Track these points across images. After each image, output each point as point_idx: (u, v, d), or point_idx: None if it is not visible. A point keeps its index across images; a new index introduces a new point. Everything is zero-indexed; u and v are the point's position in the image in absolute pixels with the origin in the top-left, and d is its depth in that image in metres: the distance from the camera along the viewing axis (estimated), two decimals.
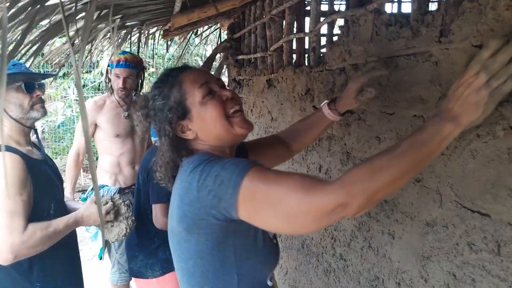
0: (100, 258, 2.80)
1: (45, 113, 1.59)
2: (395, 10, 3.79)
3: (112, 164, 2.65)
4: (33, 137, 1.69)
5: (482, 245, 1.00)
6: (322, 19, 2.00)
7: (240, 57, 3.35)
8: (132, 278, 2.29)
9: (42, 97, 1.58)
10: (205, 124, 1.03)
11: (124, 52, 2.59)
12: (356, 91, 1.29)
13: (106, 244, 2.77)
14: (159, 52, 7.43)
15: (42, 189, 1.52)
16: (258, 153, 1.34)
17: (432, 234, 1.19)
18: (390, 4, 3.83)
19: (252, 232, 0.99)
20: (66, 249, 1.64)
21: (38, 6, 1.38)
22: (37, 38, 1.86)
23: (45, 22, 1.99)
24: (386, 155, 0.82)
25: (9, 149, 1.46)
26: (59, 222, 1.55)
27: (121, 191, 2.62)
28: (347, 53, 1.66)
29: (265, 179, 0.87)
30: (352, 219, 1.71)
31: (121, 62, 2.54)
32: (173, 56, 7.47)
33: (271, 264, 1.07)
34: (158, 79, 1.09)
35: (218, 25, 4.28)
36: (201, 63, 8.82)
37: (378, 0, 1.44)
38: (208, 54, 7.35)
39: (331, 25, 1.96)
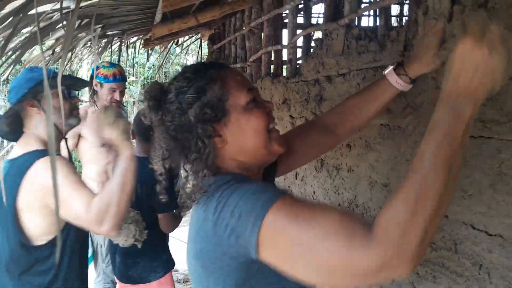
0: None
1: (79, 121, 1.56)
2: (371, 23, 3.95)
3: (99, 173, 2.65)
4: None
5: (441, 243, 1.08)
6: (298, 31, 2.10)
7: None
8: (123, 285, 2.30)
9: (78, 104, 1.58)
10: (243, 133, 0.86)
11: (112, 65, 2.61)
12: (438, 44, 1.00)
13: (93, 252, 2.75)
14: (139, 61, 7.44)
15: None
16: (291, 150, 1.09)
17: None
18: (366, 17, 3.98)
19: (273, 281, 0.79)
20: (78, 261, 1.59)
21: (21, 15, 1.41)
22: (19, 45, 1.87)
23: (25, 30, 2.01)
24: (415, 175, 0.64)
25: (58, 154, 1.47)
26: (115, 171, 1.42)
27: None
28: (321, 65, 1.75)
29: (294, 216, 0.69)
30: None
31: (117, 76, 2.57)
32: (153, 65, 7.48)
33: None
34: (190, 69, 0.90)
35: (199, 35, 4.35)
36: None
37: (349, 15, 1.53)
38: (189, 64, 7.41)
39: (307, 38, 2.05)
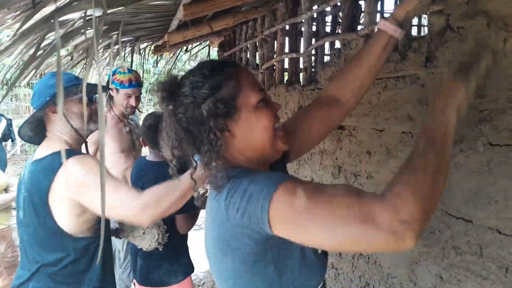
0: None
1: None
2: None
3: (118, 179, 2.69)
4: None
5: (466, 248, 1.12)
6: (314, 40, 2.14)
7: None
8: None
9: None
10: (251, 130, 0.92)
11: (129, 71, 2.65)
12: None
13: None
14: (145, 67, 7.50)
15: None
16: (300, 131, 1.14)
17: (421, 241, 1.30)
18: None
19: (293, 245, 0.87)
20: (108, 259, 1.69)
21: (52, 21, 1.46)
22: (43, 52, 1.91)
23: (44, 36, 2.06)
24: (414, 157, 0.78)
25: (82, 153, 1.52)
26: (169, 182, 1.43)
27: None
28: None
29: (302, 191, 0.77)
30: None
31: (133, 82, 2.61)
32: (159, 71, 7.54)
33: (316, 277, 0.96)
34: (207, 65, 0.95)
35: (207, 42, 4.40)
36: None
37: (369, 26, 1.58)
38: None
39: (321, 47, 2.10)
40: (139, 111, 2.90)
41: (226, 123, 0.90)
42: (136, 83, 2.63)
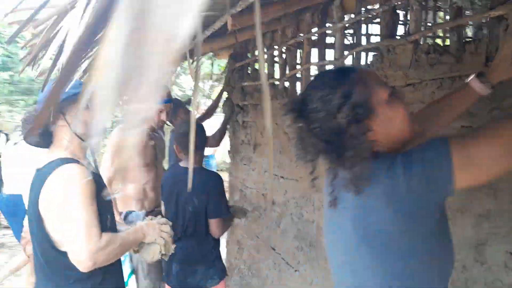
0: (126, 285, 2.77)
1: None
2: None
3: (138, 191, 2.70)
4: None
5: None
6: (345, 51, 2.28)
7: (246, 83, 3.54)
8: None
9: None
10: (392, 123, 1.00)
11: None
12: None
13: (134, 271, 2.75)
14: None
15: (102, 202, 1.58)
16: None
17: (487, 223, 1.43)
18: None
19: (446, 225, 1.00)
20: (117, 267, 1.71)
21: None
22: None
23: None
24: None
25: (77, 162, 1.54)
26: (125, 233, 1.66)
27: (147, 214, 2.67)
28: (383, 77, 1.93)
29: (468, 135, 0.96)
30: None
31: (165, 98, 2.66)
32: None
33: (452, 262, 1.04)
34: (327, 79, 1.02)
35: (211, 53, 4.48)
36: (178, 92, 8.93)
37: (417, 32, 1.73)
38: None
39: (357, 54, 2.24)
40: (167, 124, 2.95)
41: (366, 125, 0.96)
42: (167, 98, 2.69)
